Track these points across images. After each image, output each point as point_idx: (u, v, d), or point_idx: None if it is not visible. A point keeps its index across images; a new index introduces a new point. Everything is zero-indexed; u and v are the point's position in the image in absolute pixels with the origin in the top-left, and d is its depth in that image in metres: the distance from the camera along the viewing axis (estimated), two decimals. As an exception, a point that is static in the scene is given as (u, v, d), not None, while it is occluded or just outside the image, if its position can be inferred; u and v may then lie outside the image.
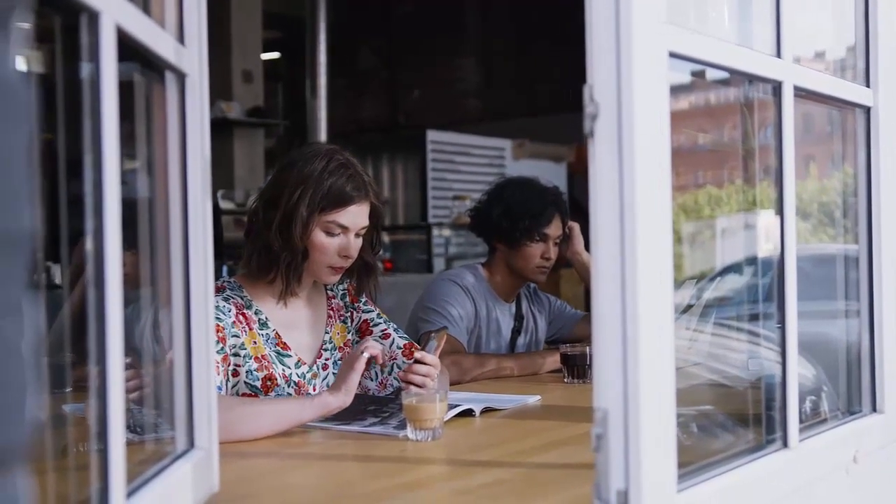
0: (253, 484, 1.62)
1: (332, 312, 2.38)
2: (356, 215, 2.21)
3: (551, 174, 6.46)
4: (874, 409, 1.80)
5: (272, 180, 2.24)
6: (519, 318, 3.12)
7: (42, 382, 0.61)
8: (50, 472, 1.06)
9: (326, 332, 2.35)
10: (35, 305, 0.59)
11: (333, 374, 2.31)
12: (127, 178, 1.11)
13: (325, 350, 2.33)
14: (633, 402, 1.15)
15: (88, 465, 1.07)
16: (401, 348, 2.35)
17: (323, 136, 9.16)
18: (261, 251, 2.20)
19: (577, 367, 2.63)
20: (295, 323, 2.30)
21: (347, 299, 2.41)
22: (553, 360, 2.82)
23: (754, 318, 1.88)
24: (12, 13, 0.59)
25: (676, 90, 1.25)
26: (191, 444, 1.36)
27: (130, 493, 1.08)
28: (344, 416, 2.03)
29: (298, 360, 2.25)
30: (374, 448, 1.84)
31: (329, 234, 2.19)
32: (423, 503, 1.50)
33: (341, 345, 2.37)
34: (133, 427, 1.27)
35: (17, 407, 0.55)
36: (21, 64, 0.60)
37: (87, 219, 0.99)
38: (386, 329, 2.39)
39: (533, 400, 2.34)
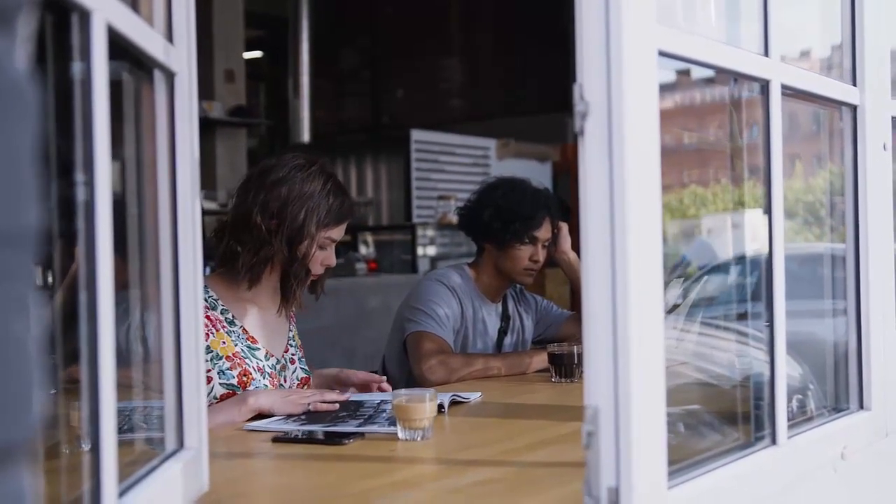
0: (242, 484, 1.62)
1: (292, 314, 2.47)
2: (343, 230, 2.34)
3: (536, 174, 6.46)
4: (861, 407, 1.81)
5: (265, 189, 2.24)
6: (505, 318, 3.12)
7: (47, 380, 0.61)
8: (38, 473, 1.05)
9: (290, 330, 2.44)
10: (41, 303, 0.59)
11: (301, 368, 2.42)
12: (114, 179, 1.10)
13: (291, 346, 2.42)
14: (625, 399, 1.16)
15: (76, 466, 1.07)
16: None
17: (306, 136, 9.15)
18: (264, 262, 2.25)
19: (565, 367, 2.64)
20: (261, 321, 2.35)
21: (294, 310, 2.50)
22: (540, 360, 2.82)
23: (741, 316, 1.89)
24: (18, 12, 0.59)
25: (661, 89, 1.25)
26: (180, 443, 1.36)
27: (121, 494, 1.08)
28: (329, 420, 2.02)
29: (267, 353, 2.31)
30: (364, 448, 1.83)
31: (321, 248, 2.29)
32: (414, 502, 1.50)
33: (300, 344, 2.48)
34: (121, 427, 1.26)
35: (25, 404, 0.56)
36: (26, 63, 0.60)
37: (78, 219, 0.98)
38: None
39: (474, 397, 2.34)
